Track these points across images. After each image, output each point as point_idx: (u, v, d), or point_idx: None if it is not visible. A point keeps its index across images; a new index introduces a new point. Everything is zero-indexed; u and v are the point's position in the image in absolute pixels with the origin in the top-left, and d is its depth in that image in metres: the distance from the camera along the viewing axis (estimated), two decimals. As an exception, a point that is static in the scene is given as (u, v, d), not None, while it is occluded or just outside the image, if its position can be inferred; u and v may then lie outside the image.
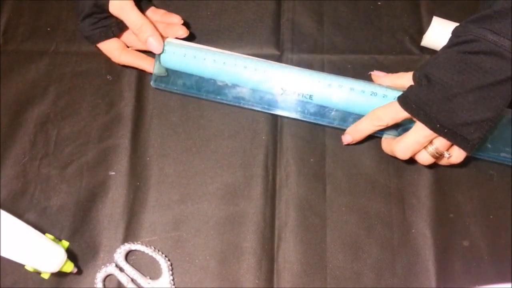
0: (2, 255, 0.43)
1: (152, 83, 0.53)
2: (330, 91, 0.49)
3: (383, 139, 0.50)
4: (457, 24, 0.45)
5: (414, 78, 0.46)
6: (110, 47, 0.53)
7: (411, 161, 0.52)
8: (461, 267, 0.48)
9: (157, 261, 0.48)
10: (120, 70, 0.56)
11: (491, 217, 0.50)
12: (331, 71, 0.52)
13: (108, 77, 0.57)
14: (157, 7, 0.61)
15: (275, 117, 0.54)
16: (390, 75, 0.49)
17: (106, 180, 0.52)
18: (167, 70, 0.53)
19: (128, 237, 0.50)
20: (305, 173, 0.52)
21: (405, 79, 0.47)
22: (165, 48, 0.52)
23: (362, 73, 0.55)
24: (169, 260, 0.49)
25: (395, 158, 0.48)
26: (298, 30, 0.58)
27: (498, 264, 0.48)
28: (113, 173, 0.52)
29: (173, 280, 0.48)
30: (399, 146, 0.46)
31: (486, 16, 0.42)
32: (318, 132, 0.53)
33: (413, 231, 0.50)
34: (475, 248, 0.49)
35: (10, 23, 0.60)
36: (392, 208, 0.51)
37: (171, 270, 0.48)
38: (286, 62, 0.57)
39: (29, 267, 0.44)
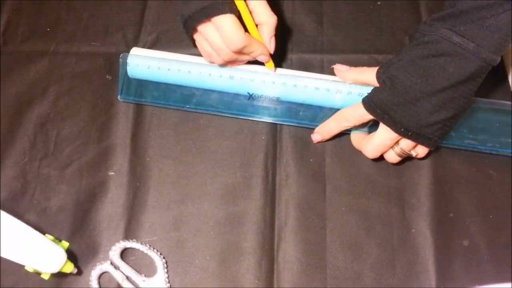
0: (2, 256, 0.43)
1: (119, 97, 0.54)
2: (297, 92, 0.50)
3: (352, 135, 0.51)
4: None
5: (377, 77, 0.46)
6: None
7: (411, 160, 0.52)
8: (461, 267, 0.48)
9: (152, 259, 0.48)
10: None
11: (491, 217, 0.50)
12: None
13: (107, 77, 0.57)
14: (156, 7, 0.61)
15: (275, 117, 0.54)
16: (353, 69, 0.50)
17: (106, 181, 0.52)
18: (133, 83, 0.54)
19: (128, 237, 0.50)
20: (304, 173, 0.52)
21: (368, 75, 0.48)
22: (128, 61, 0.52)
23: (361, 73, 0.55)
24: (164, 258, 0.49)
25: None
26: (297, 30, 0.58)
27: (498, 264, 0.48)
28: (113, 173, 0.52)
29: (168, 277, 0.48)
30: (368, 148, 0.48)
31: (451, 15, 0.42)
32: (318, 132, 0.53)
33: (413, 231, 0.50)
34: (475, 248, 0.49)
35: (10, 24, 0.60)
36: (392, 208, 0.51)
37: (166, 268, 0.48)
38: (286, 62, 0.57)
39: (29, 267, 0.44)
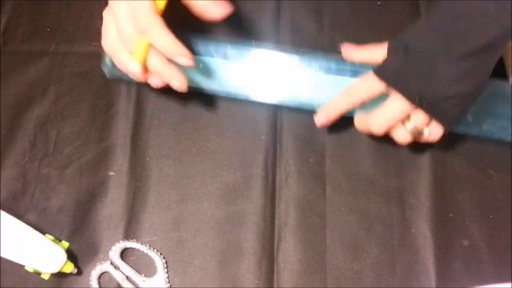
0: (2, 255, 0.43)
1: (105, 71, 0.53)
2: (300, 72, 0.49)
3: (356, 116, 0.48)
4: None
5: (389, 49, 0.43)
6: None
7: (411, 161, 0.52)
8: (461, 267, 0.48)
9: (152, 259, 0.48)
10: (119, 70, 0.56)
11: (491, 217, 0.50)
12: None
13: (108, 77, 0.57)
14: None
15: (275, 117, 0.54)
16: (362, 47, 0.46)
17: (106, 181, 0.52)
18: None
19: (127, 237, 0.50)
20: (304, 173, 0.52)
21: (379, 51, 0.44)
22: (107, 60, 0.51)
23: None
24: (164, 258, 0.49)
25: (372, 136, 0.48)
26: (297, 30, 0.58)
27: (498, 264, 0.48)
28: (113, 173, 0.52)
29: (168, 278, 0.48)
30: (374, 120, 0.44)
31: None
32: (318, 132, 0.53)
33: (413, 231, 0.50)
34: (475, 248, 0.49)
35: (10, 24, 0.60)
36: (392, 208, 0.51)
37: (166, 268, 0.48)
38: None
39: (29, 267, 0.44)
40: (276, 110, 0.54)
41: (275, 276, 0.49)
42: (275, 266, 0.49)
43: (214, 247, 0.49)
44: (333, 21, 0.59)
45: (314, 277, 0.48)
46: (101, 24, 0.59)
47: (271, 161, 0.52)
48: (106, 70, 0.52)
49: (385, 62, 0.43)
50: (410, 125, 0.43)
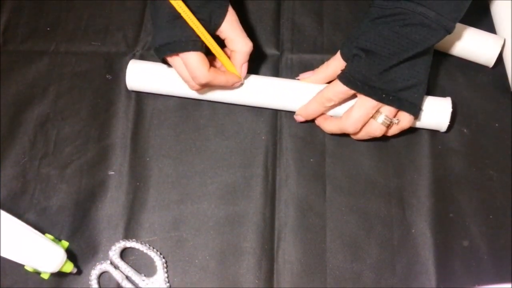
0: (2, 255, 0.43)
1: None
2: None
3: (323, 120, 0.51)
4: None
5: (345, 55, 0.49)
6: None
7: (411, 161, 0.52)
8: (461, 267, 0.48)
9: (152, 259, 0.48)
10: (119, 69, 0.56)
11: (491, 217, 0.50)
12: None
13: (107, 77, 0.57)
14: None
15: (275, 117, 0.54)
16: (317, 70, 0.52)
17: (106, 180, 0.52)
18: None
19: (127, 237, 0.50)
20: (304, 173, 0.52)
21: (335, 63, 0.50)
22: (127, 72, 0.53)
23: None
24: (163, 257, 0.49)
25: (348, 135, 0.51)
26: (297, 30, 0.58)
27: (498, 264, 0.48)
28: (113, 173, 0.52)
29: (167, 277, 0.48)
30: (350, 120, 0.48)
31: None
32: (318, 132, 0.53)
33: (413, 231, 0.50)
34: (475, 248, 0.49)
35: (10, 23, 0.60)
36: (392, 208, 0.51)
37: (166, 268, 0.48)
38: (286, 62, 0.57)
39: (28, 267, 0.44)
40: (276, 110, 0.54)
41: (275, 276, 0.49)
42: (275, 266, 0.49)
43: (214, 247, 0.49)
44: (333, 21, 0.59)
45: (314, 277, 0.48)
46: (101, 23, 0.60)
47: (271, 161, 0.52)
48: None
49: (350, 68, 0.47)
50: (381, 118, 0.48)
